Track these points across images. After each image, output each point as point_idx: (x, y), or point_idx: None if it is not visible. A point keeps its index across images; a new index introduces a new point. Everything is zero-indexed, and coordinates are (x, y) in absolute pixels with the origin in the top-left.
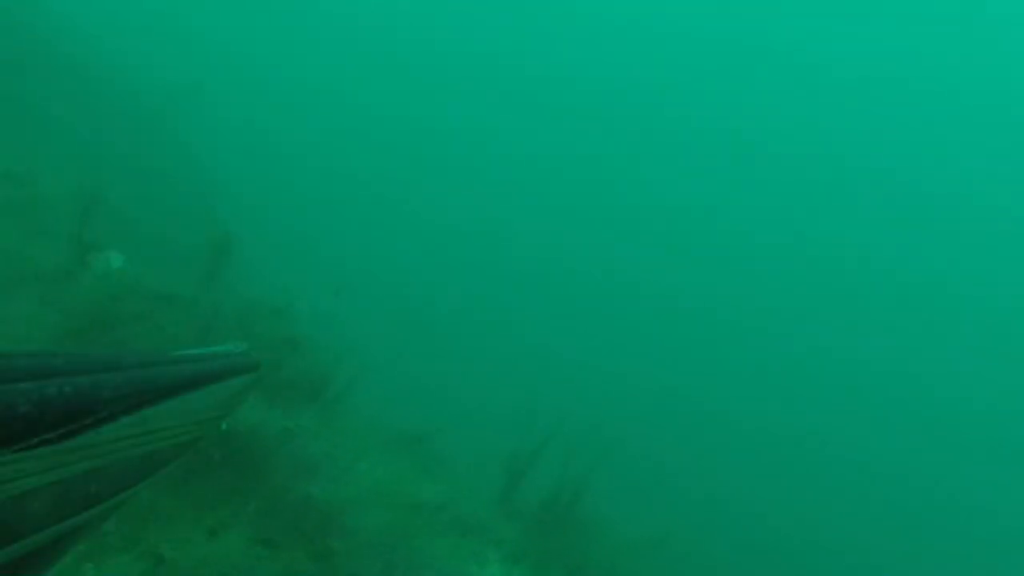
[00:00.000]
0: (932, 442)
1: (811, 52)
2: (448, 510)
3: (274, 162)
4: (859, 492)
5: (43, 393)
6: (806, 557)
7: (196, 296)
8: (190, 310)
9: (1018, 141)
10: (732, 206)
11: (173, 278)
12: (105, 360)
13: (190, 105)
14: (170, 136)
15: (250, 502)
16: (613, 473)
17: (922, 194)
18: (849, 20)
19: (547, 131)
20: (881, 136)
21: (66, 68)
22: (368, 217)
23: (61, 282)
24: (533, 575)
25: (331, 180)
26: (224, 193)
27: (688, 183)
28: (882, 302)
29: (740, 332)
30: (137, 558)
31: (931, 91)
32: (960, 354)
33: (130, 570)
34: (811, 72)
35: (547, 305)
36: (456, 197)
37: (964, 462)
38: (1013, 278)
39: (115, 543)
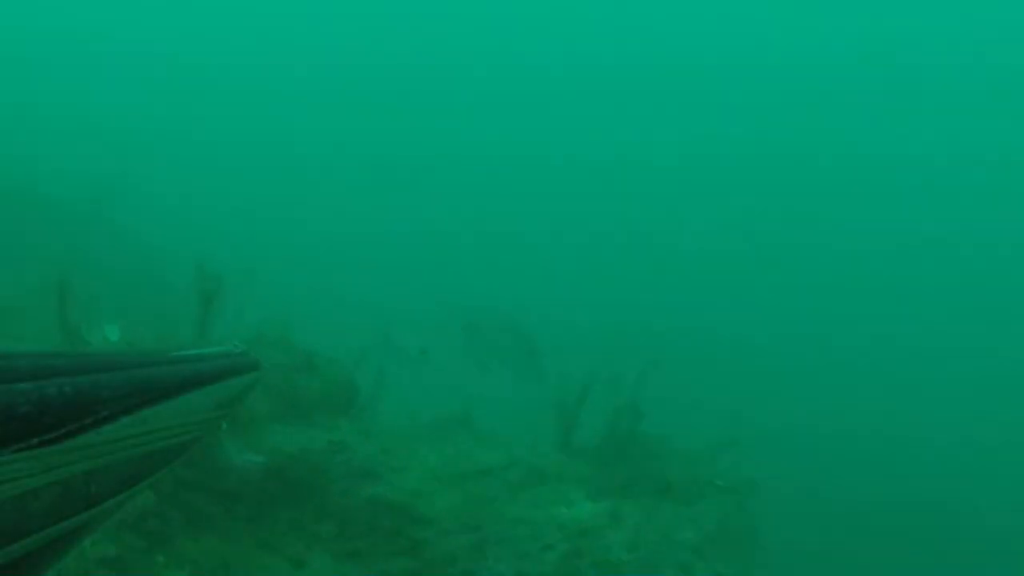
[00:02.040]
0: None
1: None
2: (517, 467)
3: (215, 219)
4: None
5: (43, 393)
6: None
7: (198, 345)
8: None
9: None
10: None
11: (165, 338)
12: (105, 360)
13: (122, 190)
14: (108, 220)
15: (321, 522)
16: (652, 399)
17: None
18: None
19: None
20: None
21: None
22: (324, 245)
23: None
24: (622, 503)
25: (275, 223)
26: (173, 257)
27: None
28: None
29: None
30: None
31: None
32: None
33: None
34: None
35: (537, 280)
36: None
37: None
38: None
39: None
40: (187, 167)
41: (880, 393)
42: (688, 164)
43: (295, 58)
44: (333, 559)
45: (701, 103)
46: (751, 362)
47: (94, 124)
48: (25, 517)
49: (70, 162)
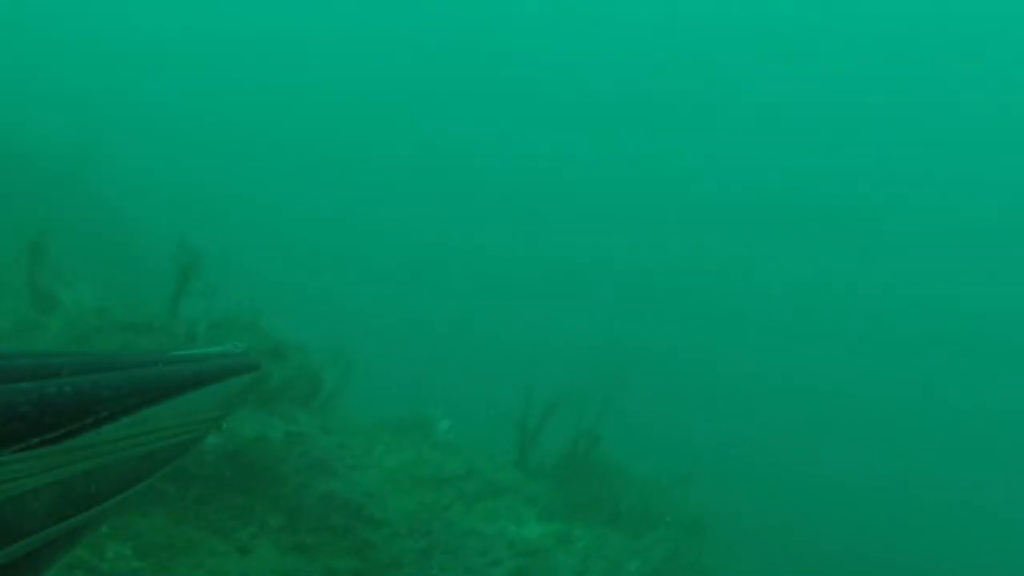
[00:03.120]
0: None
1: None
2: (473, 479)
3: (189, 195)
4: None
5: (43, 393)
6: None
7: (168, 321)
8: (165, 335)
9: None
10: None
11: (137, 307)
12: (105, 360)
13: (96, 159)
14: (84, 189)
15: (272, 512)
16: (615, 425)
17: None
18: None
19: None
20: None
21: None
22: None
23: (25, 334)
24: (573, 526)
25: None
26: (149, 234)
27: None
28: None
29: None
30: None
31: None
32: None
33: None
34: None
35: (499, 292)
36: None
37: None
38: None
39: None
40: (177, 150)
41: (857, 438)
42: (679, 190)
43: (299, 48)
44: (279, 551)
45: (690, 129)
46: (729, 391)
47: (87, 98)
48: (25, 517)
49: (56, 132)
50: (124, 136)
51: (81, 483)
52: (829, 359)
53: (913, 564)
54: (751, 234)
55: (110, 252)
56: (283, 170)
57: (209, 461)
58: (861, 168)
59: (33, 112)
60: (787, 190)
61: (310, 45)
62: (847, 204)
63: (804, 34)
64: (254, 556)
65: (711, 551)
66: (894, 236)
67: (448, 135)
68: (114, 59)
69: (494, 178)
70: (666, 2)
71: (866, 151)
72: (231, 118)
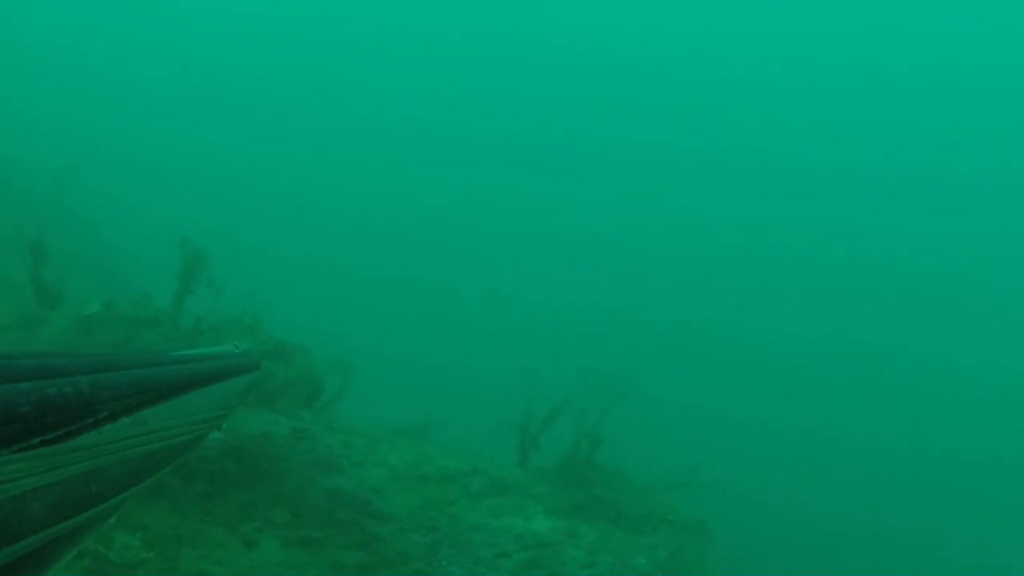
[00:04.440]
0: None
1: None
2: (478, 476)
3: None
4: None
5: (43, 393)
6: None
7: (173, 316)
8: (171, 330)
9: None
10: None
11: (142, 304)
12: (105, 360)
13: (74, 181)
14: (63, 210)
15: (276, 507)
16: (613, 434)
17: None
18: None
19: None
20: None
21: None
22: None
23: (30, 328)
24: (579, 524)
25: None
26: (131, 254)
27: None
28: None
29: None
30: None
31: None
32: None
33: None
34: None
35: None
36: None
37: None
38: None
39: (155, 570)
40: (167, 183)
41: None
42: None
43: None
44: (285, 544)
45: (695, 176)
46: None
47: (69, 125)
48: (25, 517)
49: (38, 155)
50: (108, 164)
51: (81, 483)
52: (814, 403)
53: None
54: (746, 282)
55: (92, 273)
56: (266, 206)
57: (213, 456)
58: (850, 219)
59: (13, 135)
60: (777, 239)
61: (295, 81)
62: (836, 254)
63: (796, 86)
64: (259, 550)
65: (712, 554)
66: (877, 284)
67: (439, 178)
68: (101, 90)
69: (476, 218)
70: (655, 54)
71: (854, 201)
72: (217, 154)
